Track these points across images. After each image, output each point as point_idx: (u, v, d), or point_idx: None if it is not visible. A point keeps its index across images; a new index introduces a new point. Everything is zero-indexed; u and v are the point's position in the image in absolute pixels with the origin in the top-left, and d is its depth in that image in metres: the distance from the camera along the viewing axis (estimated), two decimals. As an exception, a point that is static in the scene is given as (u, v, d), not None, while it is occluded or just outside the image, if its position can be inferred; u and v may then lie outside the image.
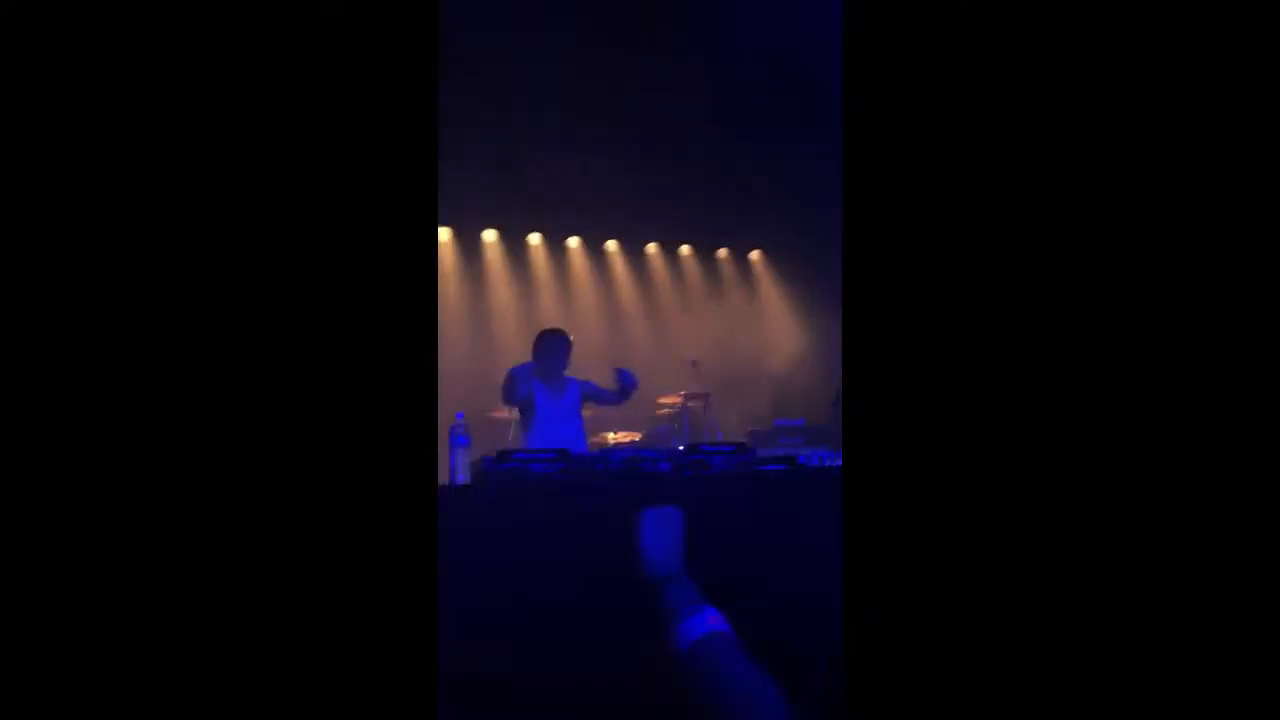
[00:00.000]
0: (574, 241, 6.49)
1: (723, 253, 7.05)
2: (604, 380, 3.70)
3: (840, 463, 2.00)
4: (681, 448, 2.16)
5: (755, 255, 7.16)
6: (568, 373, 3.63)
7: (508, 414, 4.86)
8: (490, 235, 6.23)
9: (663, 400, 5.36)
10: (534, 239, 6.36)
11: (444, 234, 6.07)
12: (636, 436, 5.06)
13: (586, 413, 3.71)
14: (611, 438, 4.98)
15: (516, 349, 4.94)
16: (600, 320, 6.37)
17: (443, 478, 1.97)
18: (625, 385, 3.47)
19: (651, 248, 6.82)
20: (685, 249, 6.94)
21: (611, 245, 6.63)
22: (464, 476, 1.94)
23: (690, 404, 5.31)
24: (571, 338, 3.65)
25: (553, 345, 3.60)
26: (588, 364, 4.24)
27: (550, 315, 5.80)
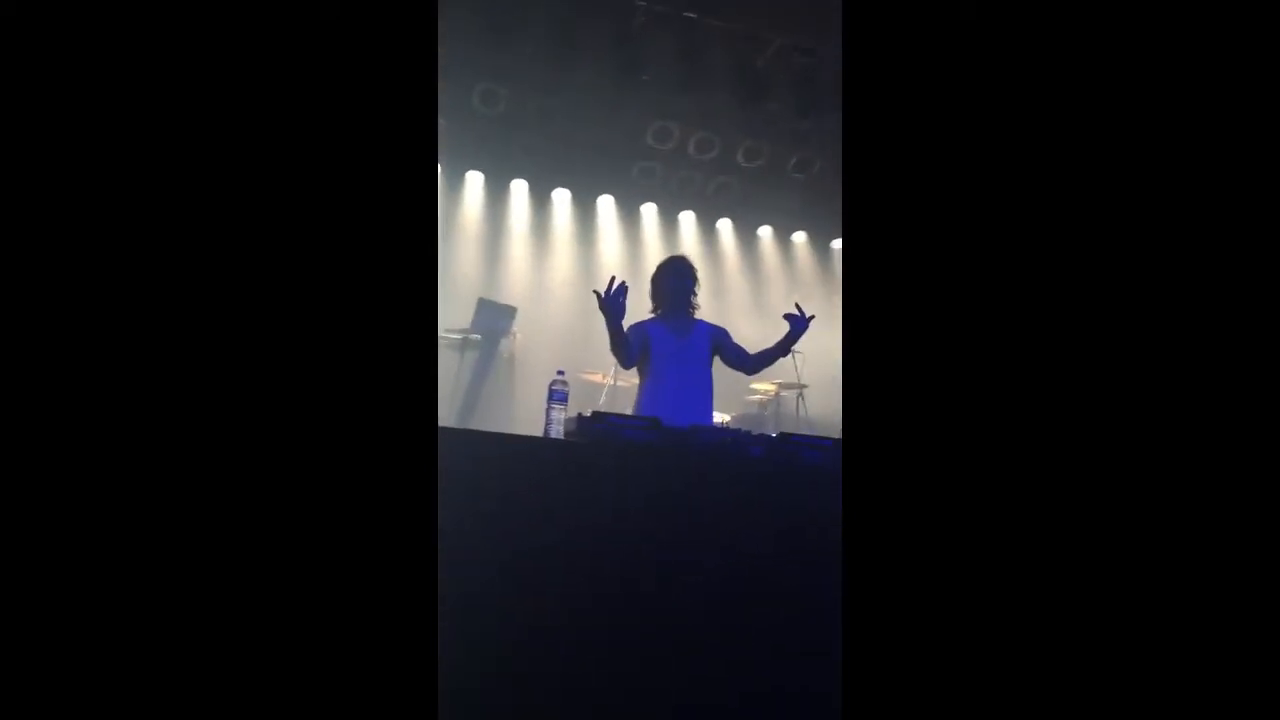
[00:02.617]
0: (688, 216, 6.44)
1: (837, 244, 6.86)
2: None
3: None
4: (774, 435, 2.12)
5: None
6: (697, 315, 2.85)
7: (600, 378, 4.92)
8: (605, 201, 6.26)
9: (756, 386, 5.28)
10: (647, 209, 6.36)
11: (561, 195, 6.14)
12: (727, 418, 5.01)
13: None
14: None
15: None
16: (703, 299, 6.29)
17: (539, 431, 2.00)
18: (797, 328, 2.66)
19: (764, 231, 6.69)
20: (799, 236, 6.78)
21: (724, 224, 6.55)
22: (557, 432, 1.96)
23: (783, 394, 5.21)
24: (696, 272, 2.88)
25: (674, 276, 2.82)
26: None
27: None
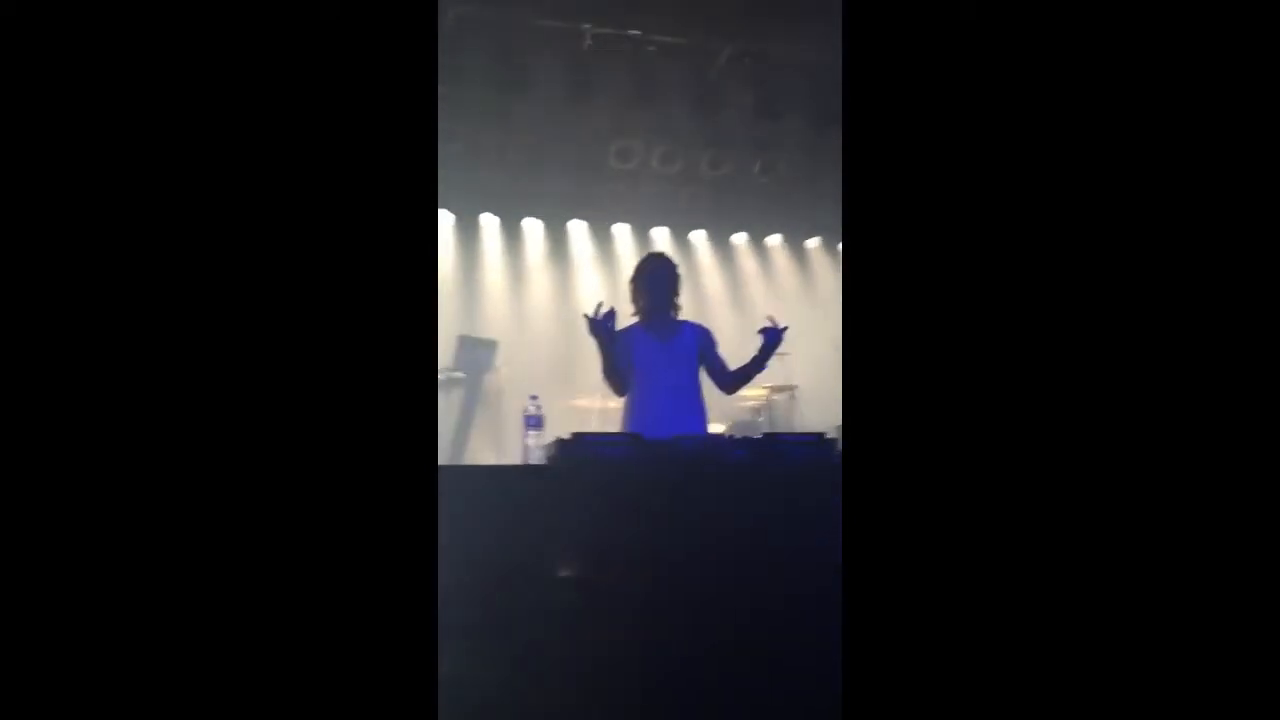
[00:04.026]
0: (661, 232, 6.44)
1: (813, 243, 6.86)
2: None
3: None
4: (759, 436, 2.08)
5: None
6: (681, 316, 2.72)
7: (589, 402, 4.88)
8: (577, 225, 6.26)
9: (747, 392, 5.24)
10: (619, 229, 6.36)
11: (532, 225, 6.14)
12: (722, 428, 4.96)
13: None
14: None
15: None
16: (685, 312, 6.28)
17: (517, 459, 1.96)
18: (770, 340, 2.55)
19: (738, 238, 6.70)
20: (774, 239, 6.78)
21: (698, 235, 6.56)
22: (536, 457, 1.92)
23: (775, 397, 5.18)
24: (679, 269, 2.74)
25: (653, 276, 2.66)
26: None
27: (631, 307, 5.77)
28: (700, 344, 2.69)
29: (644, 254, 2.91)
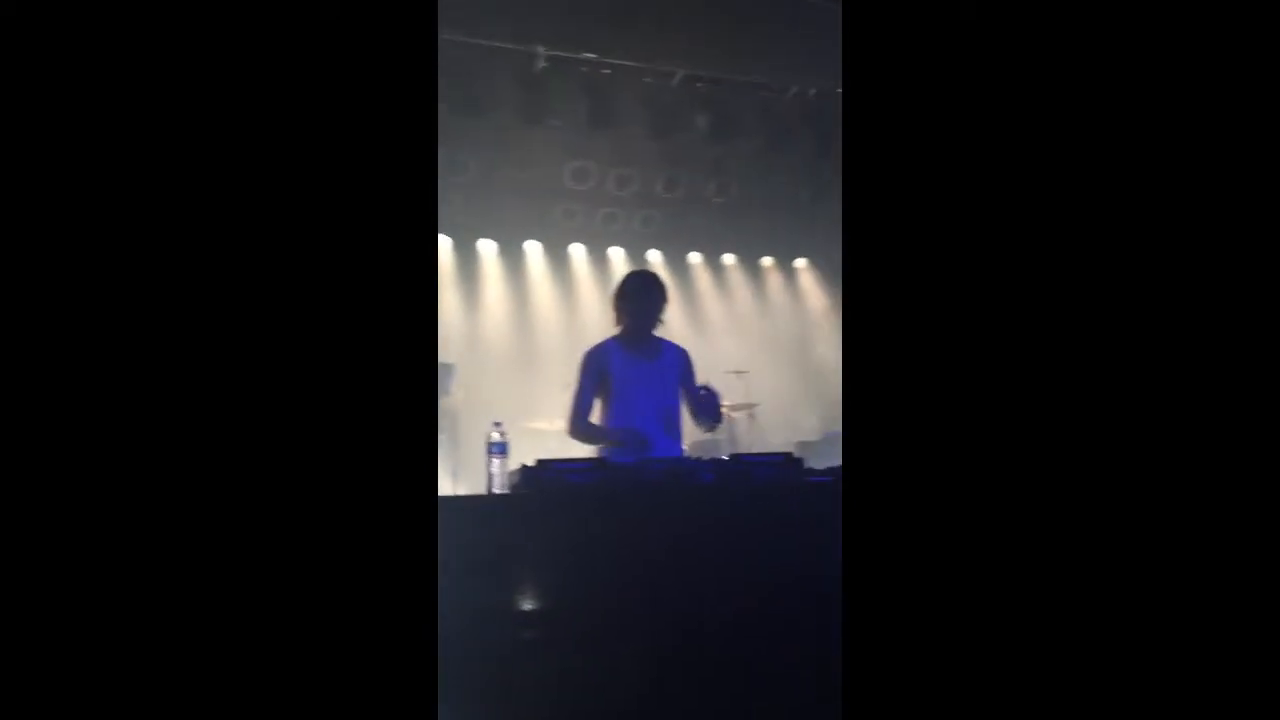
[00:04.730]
0: (617, 252, 6.45)
1: (767, 261, 6.94)
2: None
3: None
4: (726, 458, 2.07)
5: (801, 264, 7.02)
6: (665, 336, 2.62)
7: (547, 425, 4.83)
8: (532, 246, 6.23)
9: (707, 411, 5.25)
10: (575, 249, 6.34)
11: (486, 246, 6.09)
12: (686, 446, 4.94)
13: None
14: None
15: (560, 356, 4.91)
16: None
17: (482, 488, 1.91)
18: (706, 405, 2.53)
19: (694, 257, 6.74)
20: (729, 258, 6.84)
21: (654, 255, 6.58)
22: (501, 485, 1.88)
23: (736, 416, 5.19)
24: (666, 287, 2.61)
25: (639, 293, 2.53)
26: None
27: (594, 325, 5.77)
28: (681, 368, 2.62)
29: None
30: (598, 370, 2.55)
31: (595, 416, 2.61)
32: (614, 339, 2.62)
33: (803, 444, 4.79)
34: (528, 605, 1.58)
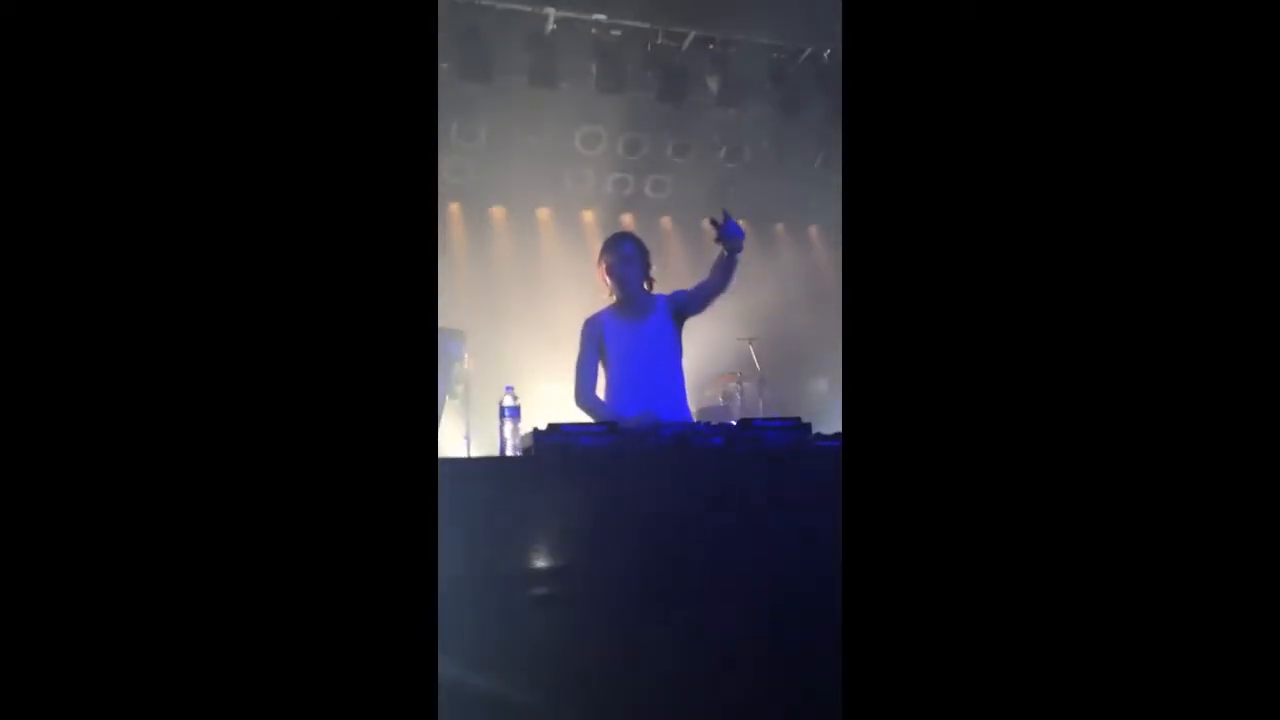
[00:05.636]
0: (627, 218, 6.42)
1: (779, 228, 6.90)
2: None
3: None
4: (734, 423, 2.08)
5: (813, 230, 6.98)
6: (654, 290, 2.60)
7: (555, 388, 4.85)
8: (543, 213, 6.21)
9: (719, 379, 5.28)
10: (588, 216, 6.32)
11: (497, 211, 6.07)
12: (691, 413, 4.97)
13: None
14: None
15: (571, 322, 4.91)
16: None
17: (495, 450, 1.94)
18: (730, 236, 2.41)
19: (706, 224, 6.70)
20: (740, 224, 6.79)
21: (666, 222, 6.54)
22: (512, 448, 1.91)
23: (744, 383, 5.21)
24: (641, 244, 2.60)
25: (619, 256, 2.51)
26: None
27: (605, 290, 5.75)
28: (676, 310, 2.57)
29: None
30: (595, 340, 2.56)
31: (600, 388, 2.61)
32: (609, 308, 2.62)
33: (812, 409, 4.81)
34: (539, 564, 1.61)
